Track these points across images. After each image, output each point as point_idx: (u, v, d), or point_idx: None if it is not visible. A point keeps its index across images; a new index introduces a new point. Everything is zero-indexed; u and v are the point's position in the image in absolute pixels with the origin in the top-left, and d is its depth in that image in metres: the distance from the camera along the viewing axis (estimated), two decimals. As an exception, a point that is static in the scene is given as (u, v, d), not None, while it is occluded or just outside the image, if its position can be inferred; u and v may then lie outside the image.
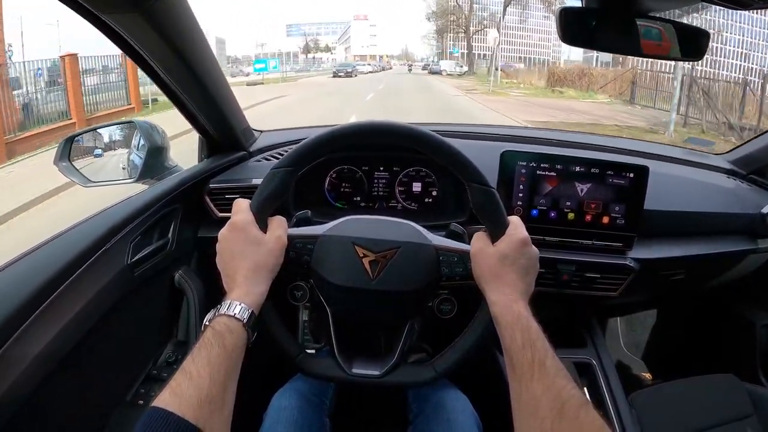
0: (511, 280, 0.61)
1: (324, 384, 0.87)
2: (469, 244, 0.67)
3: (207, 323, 0.56)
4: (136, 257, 0.82)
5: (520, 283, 0.61)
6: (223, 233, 0.63)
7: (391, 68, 60.65)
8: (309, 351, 0.72)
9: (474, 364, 0.70)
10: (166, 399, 0.46)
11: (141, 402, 0.88)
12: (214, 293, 0.89)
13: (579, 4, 0.78)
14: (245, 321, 0.56)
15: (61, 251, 0.72)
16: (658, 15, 0.82)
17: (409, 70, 53.04)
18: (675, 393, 1.05)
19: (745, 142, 1.30)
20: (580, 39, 0.79)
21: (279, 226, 0.66)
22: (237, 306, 0.56)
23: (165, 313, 0.98)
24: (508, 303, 0.59)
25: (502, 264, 0.62)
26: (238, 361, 0.54)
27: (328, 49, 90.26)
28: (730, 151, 1.33)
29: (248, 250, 0.61)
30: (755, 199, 1.14)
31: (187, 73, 0.84)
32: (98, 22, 0.67)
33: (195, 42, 0.80)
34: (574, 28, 0.77)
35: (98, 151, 1.09)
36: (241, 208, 0.64)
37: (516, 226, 0.64)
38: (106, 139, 1.12)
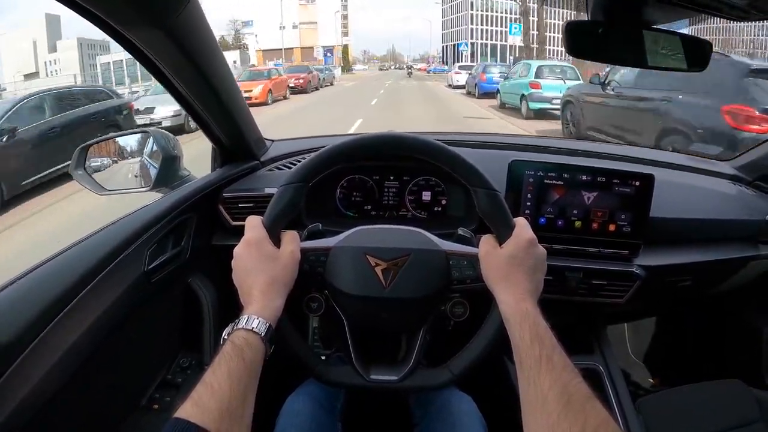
0: (519, 280, 0.62)
1: (336, 388, 0.89)
2: (477, 247, 0.68)
3: (226, 337, 0.57)
4: (153, 264, 0.84)
5: (528, 283, 0.63)
6: (237, 251, 0.65)
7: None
8: (320, 357, 0.73)
9: (481, 367, 0.71)
10: (189, 410, 0.47)
11: (156, 407, 0.89)
12: (227, 300, 0.91)
13: (585, 18, 0.80)
14: (263, 335, 0.57)
15: (82, 258, 0.74)
16: (662, 27, 0.83)
17: (409, 74, 38.49)
18: (682, 399, 1.05)
19: (750, 149, 1.31)
20: (587, 51, 0.81)
21: (292, 240, 0.67)
22: (255, 320, 0.58)
23: (179, 320, 0.99)
24: (517, 301, 0.60)
25: (510, 265, 0.63)
26: (256, 375, 0.56)
27: (238, 45, 53.65)
28: (735, 157, 1.34)
29: (263, 266, 0.63)
30: (760, 206, 1.14)
31: (203, 84, 0.86)
32: (118, 36, 0.69)
33: (211, 54, 0.82)
34: (581, 41, 0.79)
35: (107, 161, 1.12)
36: (254, 224, 0.66)
37: (522, 227, 0.66)
38: (121, 148, 1.15)
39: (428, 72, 48.14)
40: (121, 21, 0.65)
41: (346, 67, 55.84)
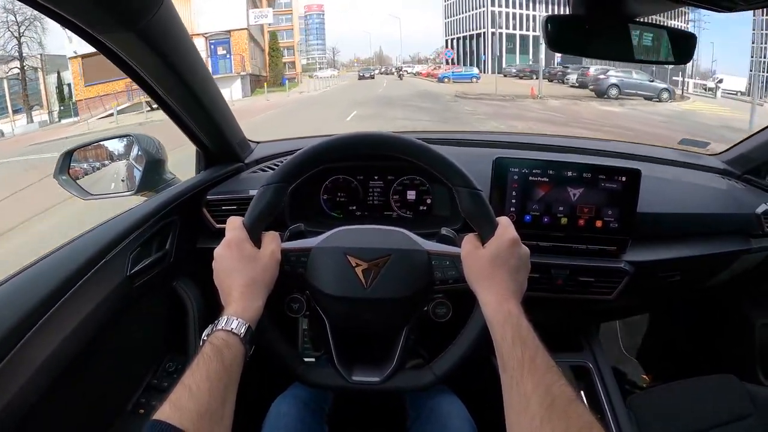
0: (502, 280, 0.62)
1: (324, 391, 0.88)
2: (460, 247, 0.68)
3: (205, 338, 0.57)
4: (136, 269, 0.83)
5: (511, 283, 0.62)
6: (218, 251, 0.65)
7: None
8: (309, 360, 0.73)
9: (469, 368, 0.71)
10: (167, 412, 0.47)
11: (142, 411, 0.88)
12: (213, 303, 0.90)
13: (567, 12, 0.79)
14: (242, 336, 0.57)
15: (63, 263, 0.73)
16: (645, 20, 0.82)
17: (400, 77, 34.43)
18: (674, 395, 1.04)
19: (739, 143, 1.30)
20: (569, 46, 0.80)
21: (272, 241, 0.67)
22: (234, 321, 0.57)
23: (165, 324, 0.99)
24: (499, 302, 0.60)
25: (493, 265, 0.62)
26: (236, 376, 0.55)
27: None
28: (725, 151, 1.33)
29: (243, 267, 0.63)
30: (749, 199, 1.14)
31: (181, 87, 0.85)
32: (93, 41, 0.68)
33: (188, 56, 0.82)
34: (562, 36, 0.77)
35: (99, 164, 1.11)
36: (235, 225, 0.65)
37: (505, 226, 0.65)
38: (105, 152, 1.14)
39: (440, 79, 28.61)
40: (91, 23, 0.64)
41: (275, 78, 30.30)
